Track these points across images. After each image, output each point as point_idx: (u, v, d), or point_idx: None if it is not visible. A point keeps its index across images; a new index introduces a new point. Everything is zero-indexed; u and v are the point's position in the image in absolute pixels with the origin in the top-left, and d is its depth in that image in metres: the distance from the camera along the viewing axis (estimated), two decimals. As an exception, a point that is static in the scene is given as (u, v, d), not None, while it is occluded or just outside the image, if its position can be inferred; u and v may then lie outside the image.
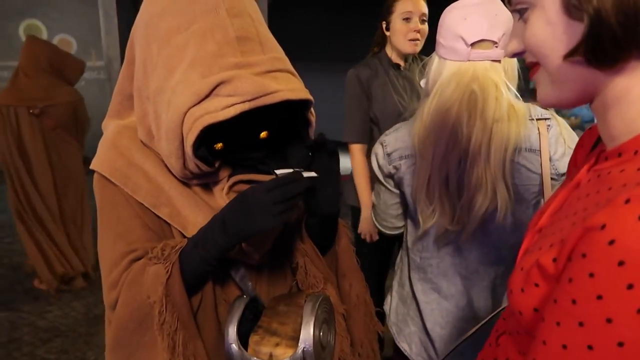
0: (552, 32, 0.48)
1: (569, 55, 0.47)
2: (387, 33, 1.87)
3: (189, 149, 0.71)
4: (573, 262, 0.44)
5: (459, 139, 1.03)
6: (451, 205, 1.07)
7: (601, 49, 0.45)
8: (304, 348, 0.73)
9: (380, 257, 2.05)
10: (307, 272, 0.86)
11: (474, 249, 1.14)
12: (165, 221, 0.79)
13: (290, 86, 0.73)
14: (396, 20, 1.82)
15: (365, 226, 1.92)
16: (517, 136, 1.02)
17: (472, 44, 1.01)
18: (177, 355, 0.72)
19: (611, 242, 0.41)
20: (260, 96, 0.69)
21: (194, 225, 0.77)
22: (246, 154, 0.81)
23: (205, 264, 0.74)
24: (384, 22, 1.87)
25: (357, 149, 1.92)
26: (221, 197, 0.80)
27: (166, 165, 0.78)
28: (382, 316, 0.96)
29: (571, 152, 0.91)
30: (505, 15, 1.01)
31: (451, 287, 1.18)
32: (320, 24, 7.94)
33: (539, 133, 1.06)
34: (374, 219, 1.34)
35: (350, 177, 1.98)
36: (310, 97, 0.76)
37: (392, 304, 1.31)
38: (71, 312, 2.73)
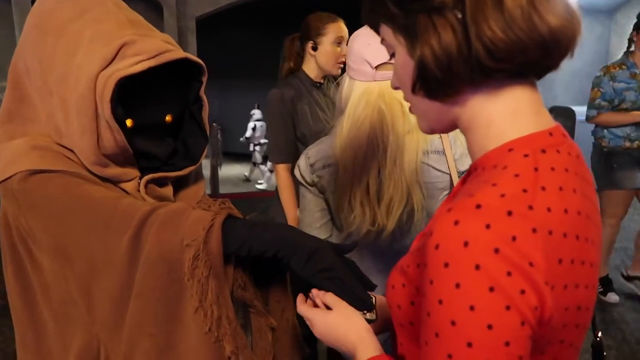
0: (404, 71, 0.56)
1: (412, 91, 0.55)
2: (313, 53, 1.92)
3: (106, 107, 0.71)
4: (421, 271, 0.52)
5: (375, 151, 1.17)
6: (371, 209, 1.20)
7: (429, 86, 0.53)
8: None
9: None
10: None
11: (394, 246, 1.27)
12: None
13: (184, 54, 0.79)
14: (327, 43, 1.88)
15: None
16: (424, 142, 1.19)
17: (377, 67, 1.16)
18: (208, 304, 0.71)
19: (437, 247, 0.47)
20: (163, 52, 0.75)
21: None
22: (153, 147, 0.82)
23: (242, 245, 0.73)
24: (312, 42, 1.92)
25: (282, 168, 1.96)
26: (138, 196, 0.81)
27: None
28: (307, 339, 1.01)
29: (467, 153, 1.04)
30: None
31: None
32: (249, 42, 8.03)
33: (440, 137, 1.24)
34: None
35: (276, 194, 2.02)
36: (202, 62, 0.81)
37: None
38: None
